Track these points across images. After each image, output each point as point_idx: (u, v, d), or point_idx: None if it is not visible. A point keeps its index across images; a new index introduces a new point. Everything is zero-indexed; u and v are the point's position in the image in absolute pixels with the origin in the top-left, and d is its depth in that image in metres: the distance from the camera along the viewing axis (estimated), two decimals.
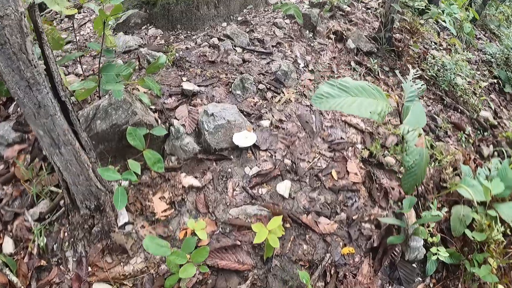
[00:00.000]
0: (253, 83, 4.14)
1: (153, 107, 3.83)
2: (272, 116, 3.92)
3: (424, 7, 7.12)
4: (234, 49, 4.80)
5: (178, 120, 3.59)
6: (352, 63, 5.35)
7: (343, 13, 6.73)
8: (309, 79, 4.71)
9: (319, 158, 3.77)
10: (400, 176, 4.00)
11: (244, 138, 3.44)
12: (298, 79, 4.59)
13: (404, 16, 6.72)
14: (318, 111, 4.29)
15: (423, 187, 3.88)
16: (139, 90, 4.02)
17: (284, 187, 3.40)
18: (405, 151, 2.41)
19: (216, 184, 3.38)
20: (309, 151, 3.79)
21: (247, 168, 3.48)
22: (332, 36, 5.77)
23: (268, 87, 4.27)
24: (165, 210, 3.21)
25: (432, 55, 6.07)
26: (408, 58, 5.91)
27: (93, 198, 2.89)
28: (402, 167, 4.11)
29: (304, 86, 4.56)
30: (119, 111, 3.41)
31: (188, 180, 3.38)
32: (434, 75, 5.78)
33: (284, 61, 4.67)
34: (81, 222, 2.94)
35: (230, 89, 4.11)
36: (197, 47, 4.90)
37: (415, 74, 2.78)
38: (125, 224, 3.08)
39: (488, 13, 9.31)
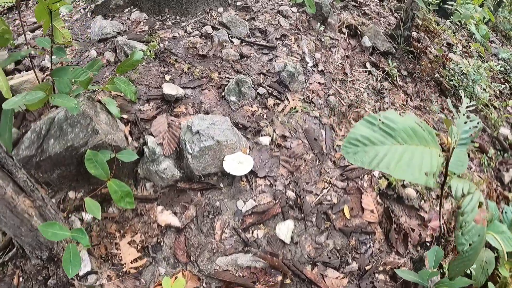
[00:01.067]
0: (252, 86, 3.30)
1: (125, 116, 2.99)
2: (274, 130, 3.10)
3: (438, 4, 6.29)
4: (230, 40, 3.94)
5: (154, 137, 2.76)
6: (368, 65, 4.52)
7: (356, 4, 5.85)
8: (319, 83, 3.88)
9: (329, 190, 2.98)
10: (421, 214, 3.27)
11: (237, 163, 2.63)
12: (305, 82, 3.76)
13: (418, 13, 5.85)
14: (329, 125, 3.48)
15: (445, 227, 3.17)
16: (111, 92, 3.17)
17: (285, 229, 2.62)
18: (460, 228, 1.60)
19: (200, 223, 2.59)
20: (317, 180, 2.99)
21: (240, 202, 2.68)
22: (345, 31, 4.91)
23: (269, 91, 3.44)
24: (135, 260, 2.42)
25: (451, 60, 5.23)
26: (427, 62, 5.08)
27: (44, 248, 2.12)
28: (423, 201, 3.37)
29: (313, 91, 3.73)
30: (76, 128, 2.57)
31: (165, 216, 2.59)
32: (456, 84, 4.97)
33: (290, 59, 3.82)
34: (34, 272, 2.19)
35: (223, 94, 3.27)
36: (187, 36, 4.02)
37: (469, 105, 1.96)
38: (88, 273, 2.32)
39: (500, 15, 8.49)
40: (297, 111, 3.43)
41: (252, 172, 2.81)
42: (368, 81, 4.34)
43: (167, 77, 3.43)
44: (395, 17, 6.11)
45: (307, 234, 2.70)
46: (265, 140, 2.99)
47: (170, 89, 3.11)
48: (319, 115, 3.53)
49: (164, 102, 3.15)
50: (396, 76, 4.60)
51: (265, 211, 2.67)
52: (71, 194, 2.76)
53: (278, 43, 4.20)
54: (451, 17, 5.89)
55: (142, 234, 2.59)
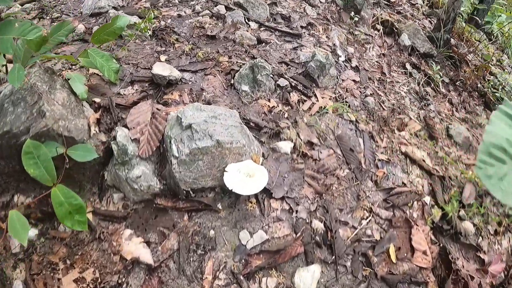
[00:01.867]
0: (271, 75, 2.32)
1: (97, 99, 2.02)
2: (298, 134, 2.11)
3: (472, 13, 5.33)
4: (246, 23, 2.98)
5: (129, 129, 1.78)
6: (408, 66, 3.51)
7: (388, 3, 4.86)
8: (354, 80, 2.89)
9: (369, 221, 1.97)
10: (480, 255, 2.34)
11: (245, 176, 1.65)
12: (338, 77, 2.76)
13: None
14: (368, 132, 2.47)
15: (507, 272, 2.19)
16: (89, 70, 2.24)
17: (309, 277, 1.62)
18: None
19: (183, 262, 1.61)
20: (354, 206, 1.99)
21: (244, 233, 1.69)
22: (380, 28, 3.92)
23: (293, 84, 2.46)
24: None
25: (490, 71, 4.25)
26: (468, 71, 4.08)
27: None
28: (480, 237, 2.42)
29: (346, 89, 2.74)
30: (19, 107, 1.66)
31: (134, 246, 1.62)
32: (502, 97, 3.96)
33: (318, 50, 2.83)
34: None
35: (232, 81, 2.29)
36: (194, 15, 3.07)
37: None
38: None
39: None
40: (327, 112, 2.44)
41: (265, 191, 1.82)
42: (409, 84, 3.34)
43: (163, 58, 2.47)
44: (430, 21, 5.12)
45: (339, 285, 1.69)
46: (285, 146, 2.00)
47: (162, 69, 2.14)
48: (356, 120, 2.53)
49: (153, 86, 2.18)
50: (439, 82, 3.59)
51: (280, 250, 1.67)
52: (17, 198, 1.81)
53: (304, 32, 3.23)
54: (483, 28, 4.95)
55: (97, 268, 1.62)
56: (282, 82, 2.47)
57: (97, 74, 2.27)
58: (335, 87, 2.74)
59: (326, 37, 3.31)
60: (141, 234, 1.69)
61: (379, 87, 3.06)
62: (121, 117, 1.95)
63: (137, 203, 1.77)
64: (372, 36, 3.78)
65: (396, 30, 4.01)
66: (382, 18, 4.06)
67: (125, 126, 1.86)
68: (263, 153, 1.96)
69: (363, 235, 1.93)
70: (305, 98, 2.46)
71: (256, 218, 1.74)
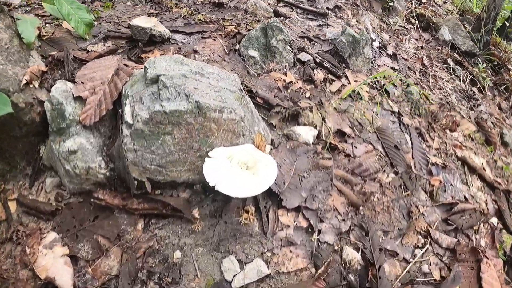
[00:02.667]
0: (289, 42, 1.59)
1: (55, 52, 1.33)
2: (323, 120, 1.36)
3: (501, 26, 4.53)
4: None
5: (76, 85, 1.06)
6: (450, 62, 2.74)
7: (420, 3, 4.11)
8: (392, 68, 2.14)
9: (425, 249, 1.19)
10: None
11: (239, 168, 0.88)
12: (373, 61, 2.02)
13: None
14: (415, 128, 1.71)
15: None
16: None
17: None
18: None
19: None
20: (404, 228, 1.22)
21: (229, 262, 0.94)
22: (415, 21, 3.17)
23: (318, 60, 1.72)
24: None
25: None
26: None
27: None
28: None
29: (384, 76, 1.98)
30: None
31: (51, 260, 0.89)
32: None
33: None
34: None
35: (237, 46, 1.57)
36: None
37: None
38: None
39: None
40: (362, 98, 1.69)
41: (270, 195, 1.07)
42: (453, 81, 2.56)
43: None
44: (464, 26, 4.33)
45: None
46: (306, 133, 1.25)
47: (144, 22, 1.45)
48: (398, 111, 1.77)
49: (131, 43, 1.48)
50: (485, 84, 2.80)
51: None
52: None
53: (331, 14, 2.51)
54: None
55: None
56: (304, 56, 1.75)
57: (66, 28, 1.60)
58: (370, 71, 2.00)
59: (357, 21, 2.58)
60: (70, 242, 0.97)
61: (421, 79, 2.30)
62: (75, 74, 1.25)
63: (75, 194, 1.05)
64: (407, 29, 3.03)
65: (433, 25, 3.26)
66: (417, 11, 3.32)
67: (72, 80, 1.16)
68: (272, 140, 1.22)
69: (418, 272, 1.17)
70: (333, 78, 1.72)
71: (252, 238, 1.00)
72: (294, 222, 1.05)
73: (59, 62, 1.30)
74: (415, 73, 2.33)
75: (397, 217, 1.27)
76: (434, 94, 2.20)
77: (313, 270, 0.99)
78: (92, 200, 1.01)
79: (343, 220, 1.12)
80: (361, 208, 1.18)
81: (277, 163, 1.10)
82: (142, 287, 0.90)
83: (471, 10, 4.95)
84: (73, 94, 1.07)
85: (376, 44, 2.35)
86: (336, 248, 1.06)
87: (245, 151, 0.98)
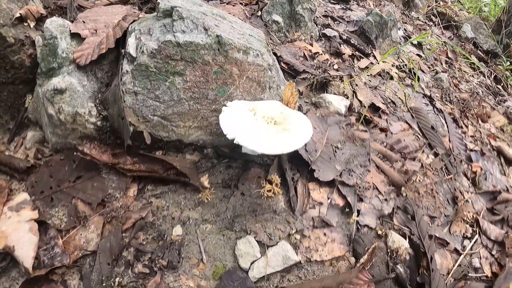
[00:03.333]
0: (315, 12, 1.35)
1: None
2: (354, 93, 1.10)
3: None
4: None
5: (76, 23, 0.83)
6: (474, 58, 2.48)
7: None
8: (418, 55, 1.90)
9: (475, 240, 0.92)
10: None
11: (264, 122, 0.62)
12: (399, 45, 1.77)
13: None
14: (449, 114, 1.45)
15: None
16: None
17: None
18: None
19: (96, 285, 0.58)
20: (451, 214, 0.95)
21: (246, 244, 0.66)
22: (435, 19, 2.93)
23: (345, 37, 1.47)
24: None
25: None
26: None
27: None
28: None
29: (409, 60, 1.74)
30: None
31: (16, 224, 0.64)
32: None
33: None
34: None
35: (259, 13, 1.33)
36: None
37: None
38: None
39: None
40: (392, 79, 1.45)
41: (299, 164, 0.81)
42: (478, 76, 2.31)
43: None
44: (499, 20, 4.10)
45: None
46: (337, 101, 1.01)
47: None
48: (430, 95, 1.52)
49: None
50: (510, 82, 2.54)
51: None
52: None
53: (352, 1, 2.27)
54: None
55: None
56: (330, 32, 1.51)
57: None
58: (397, 54, 1.75)
59: (379, 10, 2.34)
60: (42, 206, 0.73)
61: (447, 70, 2.05)
62: (75, 17, 1.03)
63: (58, 151, 0.81)
64: (428, 25, 2.79)
65: (454, 24, 3.01)
66: (438, 9, 3.07)
67: (72, 19, 0.93)
68: (299, 107, 0.97)
69: (469, 266, 0.91)
70: (361, 55, 1.48)
71: (277, 216, 0.75)
72: (328, 199, 0.80)
73: (61, 9, 1.08)
74: (442, 63, 2.08)
75: (442, 202, 1.02)
76: (462, 84, 1.95)
77: (352, 259, 0.74)
78: (75, 154, 0.77)
79: (385, 200, 0.87)
80: (402, 188, 0.93)
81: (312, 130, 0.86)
82: (127, 269, 0.66)
83: (487, 18, 4.69)
84: (70, 30, 0.84)
85: (400, 33, 2.11)
86: (379, 233, 0.80)
87: (272, 106, 0.74)
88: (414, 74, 1.65)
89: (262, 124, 0.68)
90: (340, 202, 0.81)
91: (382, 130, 1.06)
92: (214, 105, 0.77)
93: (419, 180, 1.01)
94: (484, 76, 2.39)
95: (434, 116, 1.39)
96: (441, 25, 2.89)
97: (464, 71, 2.29)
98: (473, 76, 2.29)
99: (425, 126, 1.25)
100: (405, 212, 0.90)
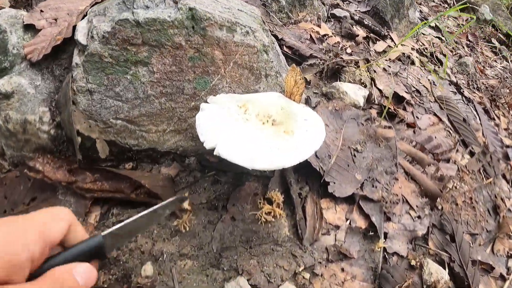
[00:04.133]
0: None
1: None
2: (373, 81, 0.86)
3: None
4: None
5: (31, 12, 0.64)
6: (495, 42, 2.19)
7: None
8: (438, 37, 1.63)
9: None
10: None
11: (259, 122, 0.39)
12: (416, 24, 1.51)
13: None
14: (478, 102, 1.20)
15: None
16: None
17: None
18: None
19: None
20: (493, 229, 0.71)
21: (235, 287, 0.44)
22: (450, 1, 2.63)
23: (357, 18, 1.22)
24: None
25: None
26: None
27: None
28: None
29: (432, 43, 1.48)
30: None
31: None
32: None
33: None
34: None
35: None
36: None
37: None
38: None
39: None
40: (413, 63, 1.20)
41: (308, 174, 0.59)
42: (502, 61, 2.03)
43: None
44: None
45: None
46: (353, 91, 0.77)
47: None
48: (456, 82, 1.28)
49: None
50: None
51: None
52: None
53: None
54: None
55: None
56: (339, 12, 1.27)
57: None
58: (416, 37, 1.50)
59: None
60: None
61: (470, 54, 1.78)
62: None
63: (16, 165, 0.62)
64: (443, 6, 2.50)
65: (470, 6, 2.70)
66: None
67: (29, 5, 0.72)
68: (306, 99, 0.75)
69: None
70: (376, 37, 1.23)
71: (279, 247, 0.54)
72: (347, 220, 0.58)
73: (28, 0, 0.87)
74: (463, 47, 1.81)
75: (482, 213, 0.79)
76: (487, 70, 1.69)
77: None
78: (25, 171, 0.57)
79: (418, 218, 0.65)
80: (438, 200, 0.71)
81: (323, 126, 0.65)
82: None
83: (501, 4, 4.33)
84: (23, 22, 0.63)
85: (417, 14, 1.84)
86: (412, 263, 0.59)
87: (270, 97, 0.52)
88: (437, 58, 1.40)
89: (256, 126, 0.47)
90: (362, 223, 0.59)
91: (409, 125, 0.83)
92: (194, 102, 0.56)
93: (456, 187, 0.78)
94: (507, 60, 2.11)
95: (464, 106, 1.15)
96: (457, 7, 2.60)
97: (486, 56, 2.02)
98: (496, 61, 2.02)
99: (457, 119, 1.02)
100: (442, 231, 0.68)
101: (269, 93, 0.56)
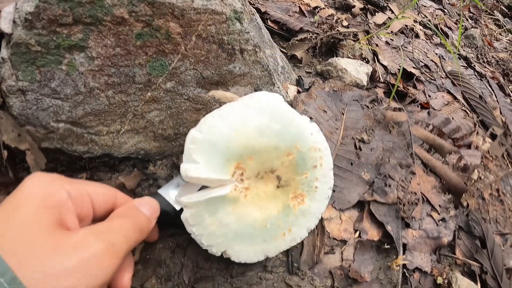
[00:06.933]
0: None
1: None
2: (375, 55, 0.70)
3: None
4: None
5: None
6: (498, 15, 2.02)
7: None
8: (439, 9, 1.46)
9: None
10: None
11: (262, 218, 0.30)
12: (417, 1, 1.35)
13: None
14: (491, 78, 1.04)
15: None
16: None
17: None
18: None
19: None
20: None
21: None
22: None
23: None
24: None
25: None
26: None
27: None
28: None
29: (433, 15, 1.31)
30: None
31: None
32: None
33: None
34: None
35: None
36: None
37: None
38: None
39: None
40: (418, 36, 1.04)
41: None
42: (506, 34, 1.86)
43: None
44: None
45: None
46: (354, 68, 0.62)
47: None
48: (466, 56, 1.12)
49: None
50: None
51: None
52: None
53: None
54: None
55: None
56: None
57: None
58: (417, 10, 1.34)
59: None
60: None
61: (472, 26, 1.61)
62: None
63: None
64: None
65: None
66: None
67: None
68: (298, 79, 0.60)
69: None
70: (375, 9, 1.07)
71: (267, 275, 0.40)
72: (355, 231, 0.45)
73: None
74: (467, 19, 1.64)
75: (511, 206, 0.66)
76: (494, 43, 1.53)
77: None
78: None
79: (442, 220, 0.51)
80: (464, 196, 0.57)
81: (312, 118, 0.50)
82: None
83: None
84: None
85: None
86: (439, 280, 0.45)
87: (259, 119, 0.37)
88: (442, 31, 1.24)
89: (258, 204, 0.35)
90: (374, 234, 0.46)
91: (423, 106, 0.68)
92: (150, 92, 0.42)
93: (481, 178, 0.64)
94: (511, 33, 1.94)
95: (477, 82, 1.00)
96: None
97: (490, 28, 1.84)
98: (500, 34, 1.84)
99: (472, 96, 0.87)
100: (470, 234, 0.54)
101: (255, 101, 0.40)
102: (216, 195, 0.34)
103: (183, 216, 0.34)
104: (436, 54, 1.02)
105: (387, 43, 0.89)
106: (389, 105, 0.62)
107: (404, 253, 0.46)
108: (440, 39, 1.14)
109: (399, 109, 0.62)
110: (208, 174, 0.33)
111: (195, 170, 0.33)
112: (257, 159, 0.35)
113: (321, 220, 0.43)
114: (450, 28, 1.36)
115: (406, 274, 0.45)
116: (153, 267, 0.41)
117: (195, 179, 0.33)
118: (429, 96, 0.76)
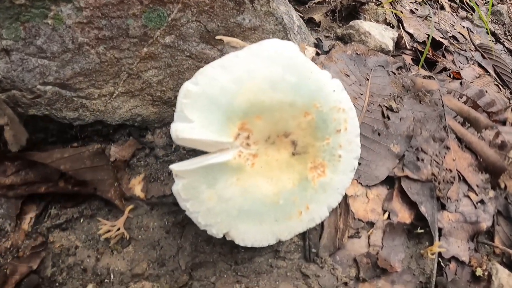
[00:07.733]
0: None
1: None
2: (399, 22, 0.61)
3: None
4: None
5: None
6: None
7: None
8: None
9: None
10: None
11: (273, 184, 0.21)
12: None
13: None
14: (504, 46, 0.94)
15: None
16: None
17: None
18: None
19: None
20: None
21: None
22: None
23: None
24: None
25: None
26: None
27: None
28: None
29: None
30: None
31: None
32: None
33: None
34: None
35: None
36: None
37: None
38: None
39: None
40: (442, 8, 0.94)
41: None
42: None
43: None
44: None
45: None
46: (378, 32, 0.53)
47: None
48: (494, 31, 1.01)
49: None
50: None
51: None
52: None
53: None
54: None
55: None
56: None
57: None
58: None
59: None
60: None
61: (499, 2, 1.48)
62: None
63: None
64: None
65: None
66: None
67: None
68: (316, 41, 0.52)
69: None
70: None
71: (281, 261, 0.32)
72: (384, 212, 0.38)
73: None
74: None
75: None
76: None
77: None
78: None
79: (481, 202, 0.44)
80: (503, 175, 0.49)
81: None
82: None
83: None
84: None
85: None
86: (478, 272, 0.38)
87: (273, 75, 0.30)
88: (468, 5, 1.13)
89: (269, 175, 0.28)
90: (405, 216, 0.39)
91: (454, 76, 0.60)
92: (146, 48, 0.35)
93: None
94: None
95: (507, 57, 0.90)
96: None
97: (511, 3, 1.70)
98: None
99: (504, 71, 0.78)
100: (510, 220, 0.47)
101: (265, 50, 0.32)
102: (214, 161, 0.27)
103: (174, 188, 0.28)
104: (464, 27, 0.92)
105: (411, 11, 0.80)
106: (418, 72, 0.54)
107: (439, 238, 0.39)
108: (468, 12, 1.04)
109: (430, 77, 0.54)
110: (204, 135, 0.26)
111: (188, 130, 0.26)
112: (268, 118, 0.28)
113: (345, 197, 0.36)
114: (476, 3, 1.25)
115: (442, 263, 0.38)
116: (146, 249, 0.35)
117: (189, 142, 0.26)
118: (460, 67, 0.67)
